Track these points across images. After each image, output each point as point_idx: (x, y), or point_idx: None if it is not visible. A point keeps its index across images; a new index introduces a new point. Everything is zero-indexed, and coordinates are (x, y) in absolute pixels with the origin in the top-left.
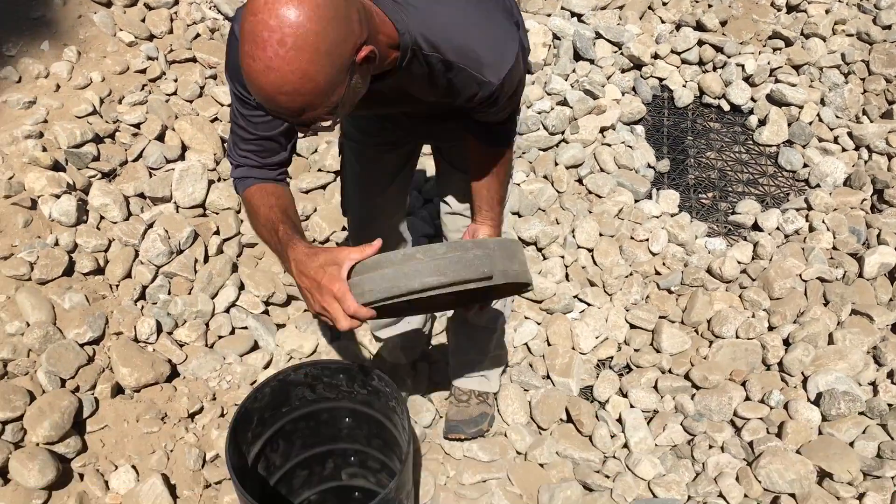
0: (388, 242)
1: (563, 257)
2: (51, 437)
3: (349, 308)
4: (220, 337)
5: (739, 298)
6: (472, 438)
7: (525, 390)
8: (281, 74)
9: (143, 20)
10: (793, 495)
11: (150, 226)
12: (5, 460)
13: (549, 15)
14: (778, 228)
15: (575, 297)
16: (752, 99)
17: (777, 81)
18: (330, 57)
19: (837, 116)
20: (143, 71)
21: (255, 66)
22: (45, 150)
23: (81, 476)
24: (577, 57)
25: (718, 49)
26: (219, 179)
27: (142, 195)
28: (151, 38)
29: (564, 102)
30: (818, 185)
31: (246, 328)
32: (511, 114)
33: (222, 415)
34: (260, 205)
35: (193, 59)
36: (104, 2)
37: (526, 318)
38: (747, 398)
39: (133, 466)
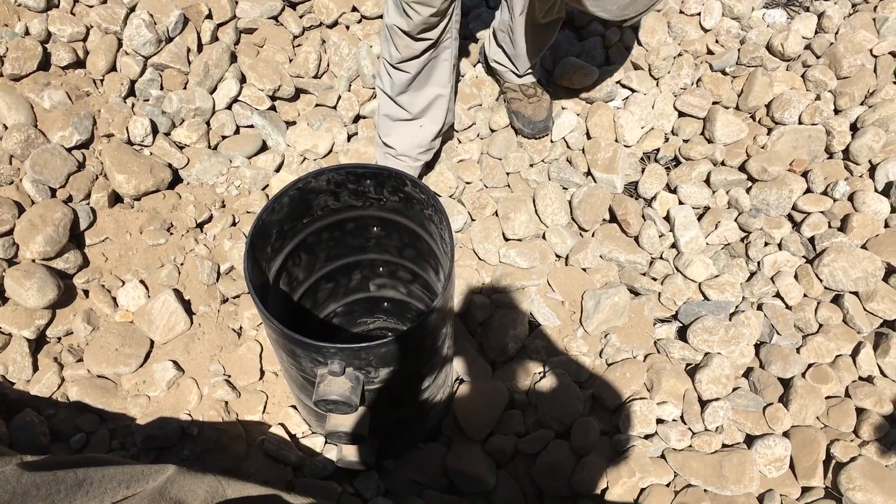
0: None
1: (602, 37)
2: (47, 253)
3: None
4: (224, 137)
5: (802, 79)
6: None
7: (564, 189)
8: None
9: None
10: (856, 294)
11: (132, 9)
12: (0, 279)
13: None
14: None
15: (617, 82)
16: None
17: None
18: None
19: None
20: None
21: None
22: None
23: (86, 293)
24: None
25: None
26: None
27: None
28: None
29: None
30: None
31: (252, 126)
32: None
33: (234, 223)
34: None
35: None
36: None
37: (563, 108)
38: (808, 190)
39: (141, 281)
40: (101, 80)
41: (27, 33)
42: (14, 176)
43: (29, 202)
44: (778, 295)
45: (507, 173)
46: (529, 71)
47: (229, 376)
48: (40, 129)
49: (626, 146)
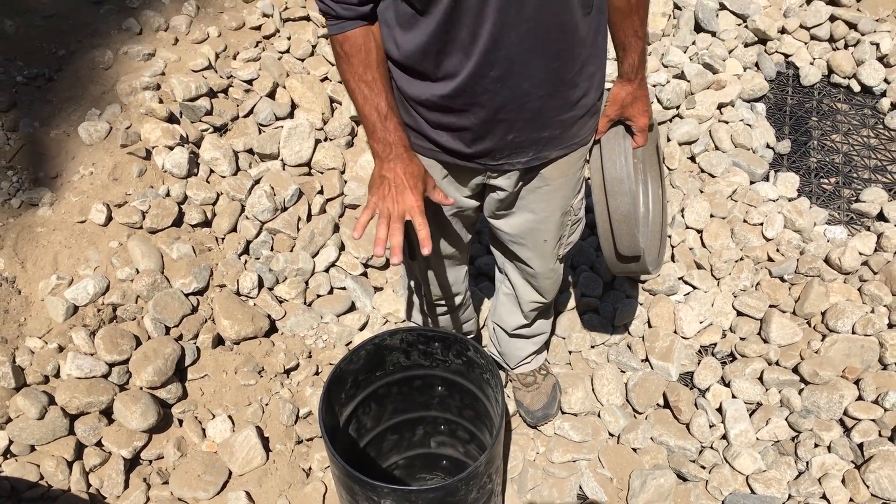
0: None
1: (670, 237)
2: (154, 382)
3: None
4: (319, 296)
5: (858, 292)
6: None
7: (622, 371)
8: None
9: None
10: None
11: (257, 182)
12: (110, 401)
13: None
14: None
15: (680, 279)
16: (886, 80)
17: None
18: None
19: None
20: (258, 28)
21: None
22: (161, 101)
23: (181, 422)
24: (698, 28)
25: (852, 25)
26: (325, 139)
27: (250, 151)
28: None
29: (682, 76)
30: None
31: (344, 289)
32: None
33: (317, 373)
34: (352, 78)
35: (307, 18)
36: None
37: (627, 297)
38: (860, 398)
39: (229, 417)
40: (223, 239)
41: (168, 195)
42: (138, 313)
43: (146, 337)
44: (824, 496)
45: (570, 352)
46: (524, 363)
47: None
48: (166, 275)
49: (683, 338)
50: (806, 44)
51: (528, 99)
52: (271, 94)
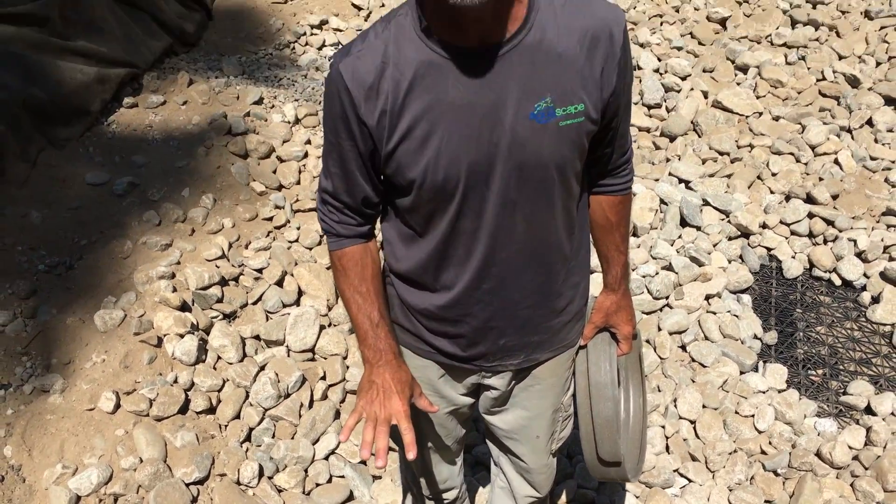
0: None
1: (663, 427)
2: None
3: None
4: (318, 484)
5: (851, 487)
6: None
7: None
8: None
9: (275, 171)
10: None
11: (262, 368)
12: None
13: (656, 180)
14: (893, 414)
15: (675, 471)
16: (865, 275)
17: (891, 259)
18: None
19: None
20: (270, 219)
21: None
22: (175, 290)
23: None
24: (684, 223)
25: (829, 222)
26: (329, 325)
27: (257, 337)
28: (280, 188)
29: (669, 268)
30: None
31: (343, 477)
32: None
33: None
34: (348, 289)
35: (316, 209)
36: (241, 154)
37: (624, 489)
38: None
39: None
40: (226, 426)
41: (175, 381)
42: None
43: None
44: None
45: None
46: None
47: None
48: (168, 464)
49: None
50: (787, 238)
51: (518, 308)
52: (279, 282)
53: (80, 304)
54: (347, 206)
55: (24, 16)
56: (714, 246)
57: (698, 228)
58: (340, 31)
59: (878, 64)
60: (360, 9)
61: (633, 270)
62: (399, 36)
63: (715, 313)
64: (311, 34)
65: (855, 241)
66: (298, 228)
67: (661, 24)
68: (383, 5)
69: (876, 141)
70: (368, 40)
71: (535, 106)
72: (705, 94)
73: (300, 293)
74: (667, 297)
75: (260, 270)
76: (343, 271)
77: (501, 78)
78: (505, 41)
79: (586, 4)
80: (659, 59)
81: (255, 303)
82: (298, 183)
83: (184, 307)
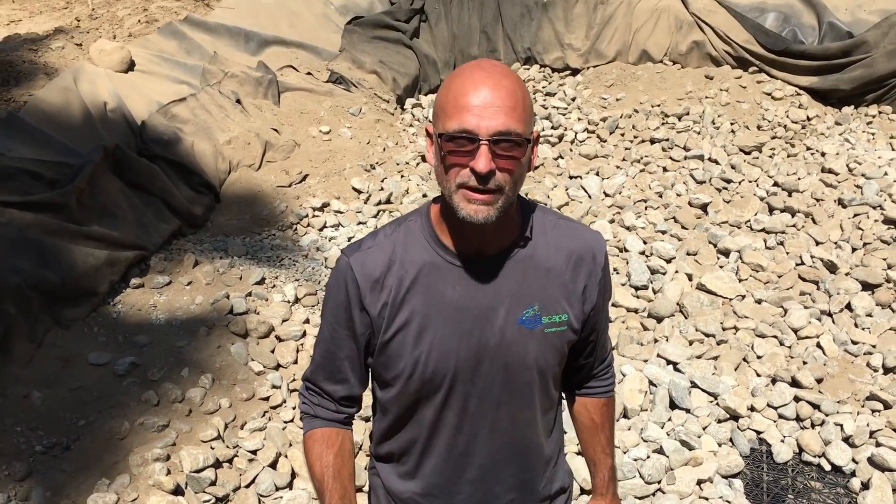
0: None
1: None
2: None
3: None
4: None
5: None
6: None
7: None
8: (505, 72)
9: (273, 351)
10: None
11: None
12: None
13: (645, 361)
14: None
15: None
16: (854, 460)
17: (878, 445)
18: (528, 102)
19: None
20: (267, 398)
21: (482, 72)
22: (169, 472)
23: None
24: (673, 405)
25: (815, 406)
26: None
27: None
28: (278, 367)
29: (660, 451)
30: None
31: None
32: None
33: None
34: (315, 458)
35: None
36: (241, 333)
37: None
38: None
39: None
40: None
41: None
42: None
43: None
44: None
45: None
46: None
47: None
48: None
49: None
50: (775, 422)
51: (499, 500)
52: (273, 464)
53: (74, 487)
54: (330, 396)
55: (43, 204)
56: (704, 429)
57: (688, 411)
58: (341, 212)
59: (853, 250)
60: (360, 192)
61: (625, 454)
62: (408, 238)
63: (707, 499)
64: (313, 216)
65: (842, 426)
66: (294, 408)
67: (646, 208)
68: (382, 189)
69: (856, 325)
70: (378, 239)
71: (524, 312)
72: (690, 277)
73: (293, 475)
74: (658, 482)
75: (254, 452)
76: (311, 446)
77: (495, 284)
78: (501, 252)
79: (574, 229)
80: (644, 242)
81: (248, 485)
82: (296, 362)
83: (177, 491)
